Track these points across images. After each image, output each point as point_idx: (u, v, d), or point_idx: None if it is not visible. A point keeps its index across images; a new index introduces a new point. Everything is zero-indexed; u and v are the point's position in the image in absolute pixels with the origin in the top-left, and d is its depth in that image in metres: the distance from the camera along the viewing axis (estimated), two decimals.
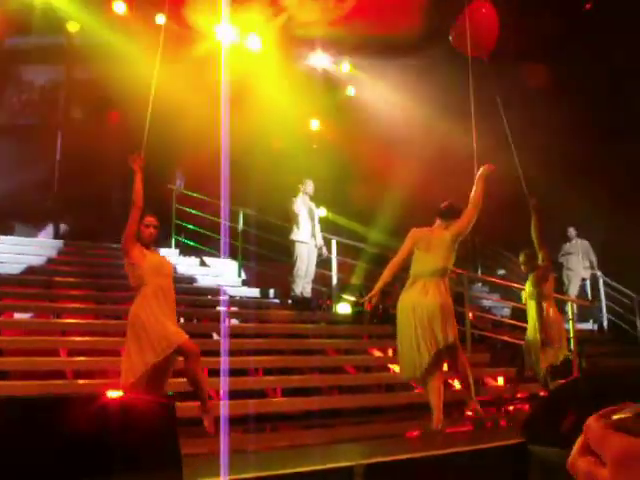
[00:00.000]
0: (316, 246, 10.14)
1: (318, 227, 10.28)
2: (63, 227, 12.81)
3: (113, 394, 2.77)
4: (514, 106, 8.61)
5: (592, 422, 0.64)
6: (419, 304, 5.73)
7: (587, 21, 12.36)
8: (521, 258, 7.66)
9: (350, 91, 13.96)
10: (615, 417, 0.63)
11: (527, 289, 7.65)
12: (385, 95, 13.36)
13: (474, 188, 5.96)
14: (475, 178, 6.03)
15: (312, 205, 10.21)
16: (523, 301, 7.85)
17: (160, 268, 5.62)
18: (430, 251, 5.83)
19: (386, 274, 5.92)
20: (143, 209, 5.61)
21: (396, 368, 8.92)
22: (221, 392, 7.11)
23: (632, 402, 0.64)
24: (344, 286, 11.09)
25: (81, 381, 6.71)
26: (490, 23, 7.76)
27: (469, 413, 6.08)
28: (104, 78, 11.31)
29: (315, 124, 13.86)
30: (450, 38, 7.76)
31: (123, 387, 5.13)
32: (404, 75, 11.42)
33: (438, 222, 6.00)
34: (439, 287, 5.81)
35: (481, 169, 6.06)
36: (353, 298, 10.74)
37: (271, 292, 10.65)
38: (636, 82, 11.53)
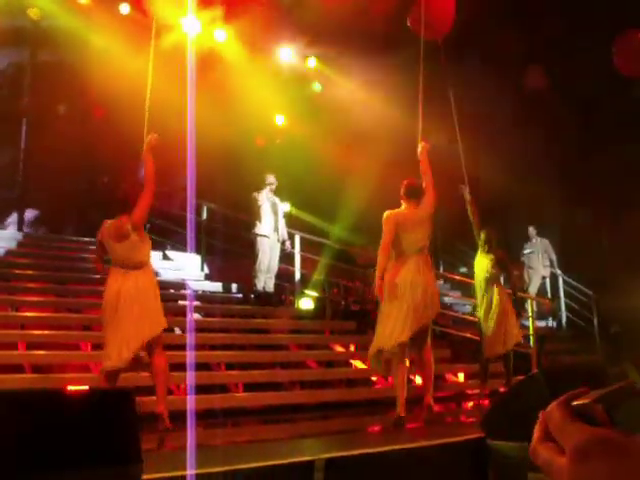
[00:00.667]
0: (278, 240, 10.11)
1: (282, 222, 10.25)
2: (27, 217, 12.55)
3: (73, 388, 2.74)
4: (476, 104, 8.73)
5: (553, 410, 0.64)
6: (416, 282, 5.93)
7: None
8: (483, 236, 7.75)
9: (316, 87, 13.93)
10: (574, 403, 0.63)
11: (488, 270, 7.71)
12: (352, 92, 13.38)
13: (421, 166, 6.24)
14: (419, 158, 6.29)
15: (276, 199, 10.19)
16: (478, 283, 7.85)
17: None
18: (413, 230, 6.04)
19: (382, 260, 5.98)
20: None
21: (358, 364, 8.98)
22: (184, 386, 7.08)
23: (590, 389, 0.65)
24: (307, 281, 11.10)
25: (40, 375, 6.61)
26: (446, 5, 7.82)
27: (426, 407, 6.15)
28: (72, 63, 11.06)
29: (280, 119, 13.82)
30: (408, 21, 7.85)
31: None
32: (371, 72, 11.44)
33: (406, 204, 6.17)
34: (428, 264, 6.10)
35: (419, 148, 6.31)
36: (315, 293, 10.76)
37: (234, 287, 10.61)
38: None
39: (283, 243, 10.23)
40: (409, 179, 6.29)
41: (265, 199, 10.04)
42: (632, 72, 9.42)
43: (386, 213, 6.08)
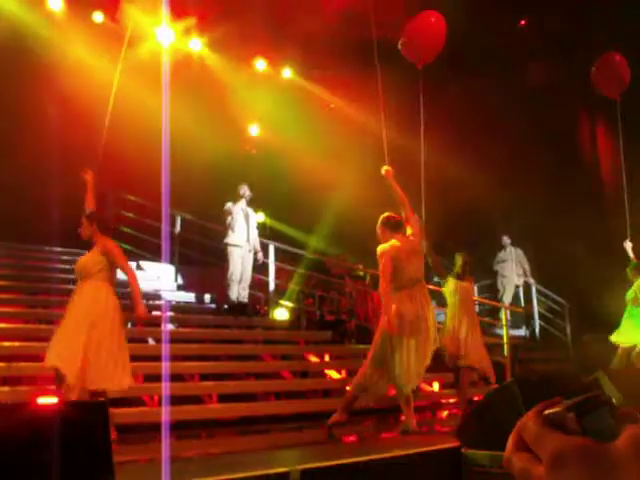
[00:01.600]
0: (250, 250, 10.05)
1: (255, 232, 10.22)
2: None
3: (44, 401, 2.70)
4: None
5: (528, 419, 0.64)
6: (421, 316, 6.00)
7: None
8: (460, 261, 7.67)
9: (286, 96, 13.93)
10: (546, 412, 0.63)
11: (468, 295, 7.70)
12: (325, 102, 13.42)
13: (395, 197, 6.25)
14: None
15: (249, 210, 10.15)
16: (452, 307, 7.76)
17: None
18: (409, 262, 6.08)
19: (388, 295, 6.01)
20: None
21: (333, 374, 8.96)
22: (158, 397, 7.01)
23: (563, 398, 0.65)
24: (281, 291, 11.07)
25: (10, 388, 6.50)
26: (437, 33, 7.95)
27: (403, 419, 6.15)
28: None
29: (255, 129, 13.81)
30: (399, 43, 7.95)
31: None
32: (348, 82, 11.49)
33: (394, 237, 6.16)
34: (427, 296, 6.21)
35: (382, 171, 6.36)
36: (290, 303, 10.74)
37: (207, 297, 10.55)
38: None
39: (255, 254, 10.19)
40: (387, 215, 6.28)
41: (239, 210, 10.00)
42: (610, 93, 9.68)
43: (381, 247, 6.10)
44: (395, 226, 6.19)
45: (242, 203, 10.06)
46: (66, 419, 2.72)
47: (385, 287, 6.02)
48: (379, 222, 6.25)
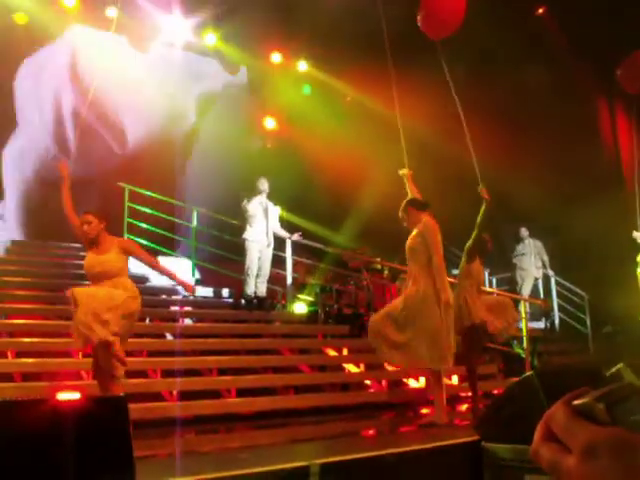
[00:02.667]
0: (269, 245, 9.99)
1: (277, 224, 10.16)
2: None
3: (64, 396, 2.70)
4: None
5: (556, 410, 0.64)
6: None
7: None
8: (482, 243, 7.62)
9: (306, 90, 13.92)
10: (575, 403, 0.63)
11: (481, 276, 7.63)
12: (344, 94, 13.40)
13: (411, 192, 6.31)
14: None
15: (269, 203, 10.11)
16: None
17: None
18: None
19: (445, 277, 5.97)
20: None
21: (351, 367, 8.95)
22: (177, 393, 7.03)
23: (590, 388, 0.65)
24: (299, 285, 11.06)
25: (30, 384, 6.54)
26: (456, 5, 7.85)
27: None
28: None
29: (271, 123, 13.81)
30: (418, 17, 7.87)
31: None
32: (368, 74, 11.44)
33: (421, 214, 6.10)
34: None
35: (402, 174, 6.42)
36: (308, 297, 10.73)
37: (225, 292, 10.57)
38: None
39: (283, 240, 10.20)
40: (412, 197, 6.27)
41: (257, 204, 9.94)
42: (635, 90, 9.71)
43: (430, 221, 6.00)
44: (423, 205, 6.16)
45: (261, 197, 10.00)
46: (86, 414, 2.72)
47: (441, 262, 5.92)
48: (404, 205, 6.16)
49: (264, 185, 9.99)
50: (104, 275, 5.54)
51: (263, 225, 9.92)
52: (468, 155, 7.49)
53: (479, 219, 7.31)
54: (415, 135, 7.27)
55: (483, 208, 7.25)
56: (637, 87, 9.68)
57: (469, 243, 7.14)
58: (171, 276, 6.04)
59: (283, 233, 10.28)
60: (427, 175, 7.28)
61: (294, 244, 10.67)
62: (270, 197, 10.17)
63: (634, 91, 9.76)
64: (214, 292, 10.51)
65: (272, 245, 10.04)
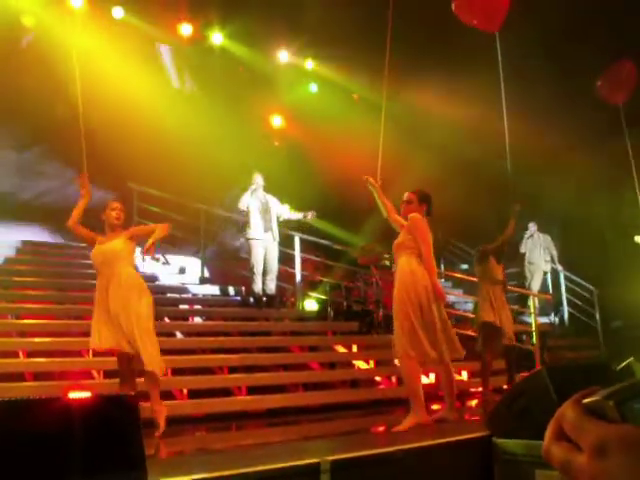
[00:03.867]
0: (275, 240, 9.87)
1: (285, 210, 10.00)
2: None
3: (75, 395, 2.71)
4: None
5: (566, 409, 0.64)
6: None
7: None
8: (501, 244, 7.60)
9: (312, 88, 13.91)
10: (585, 401, 0.63)
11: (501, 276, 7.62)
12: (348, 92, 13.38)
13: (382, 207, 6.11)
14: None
15: (268, 197, 9.94)
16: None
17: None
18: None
19: (434, 267, 5.78)
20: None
21: (361, 364, 8.96)
22: (188, 391, 7.06)
23: (600, 386, 0.65)
24: (311, 283, 11.07)
25: (41, 383, 6.58)
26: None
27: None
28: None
29: (278, 121, 13.80)
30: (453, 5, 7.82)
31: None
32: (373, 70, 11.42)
33: (420, 209, 5.91)
34: None
35: (369, 186, 6.16)
36: (317, 294, 10.73)
37: (232, 290, 10.57)
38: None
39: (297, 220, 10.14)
40: (418, 188, 6.01)
41: (254, 200, 9.83)
42: (619, 101, 9.67)
43: (418, 215, 5.76)
44: (426, 200, 5.91)
45: (258, 193, 9.89)
46: (97, 413, 2.74)
47: (432, 258, 5.71)
48: (414, 195, 5.90)
49: (258, 180, 9.86)
50: (104, 264, 5.67)
51: (262, 221, 9.77)
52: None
53: (507, 233, 7.32)
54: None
55: (513, 223, 7.25)
56: (620, 98, 9.60)
57: (486, 247, 7.18)
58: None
59: (295, 215, 10.14)
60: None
61: (302, 242, 10.64)
62: (278, 196, 10.07)
63: (617, 102, 9.67)
64: (223, 290, 10.53)
65: (277, 239, 9.90)
